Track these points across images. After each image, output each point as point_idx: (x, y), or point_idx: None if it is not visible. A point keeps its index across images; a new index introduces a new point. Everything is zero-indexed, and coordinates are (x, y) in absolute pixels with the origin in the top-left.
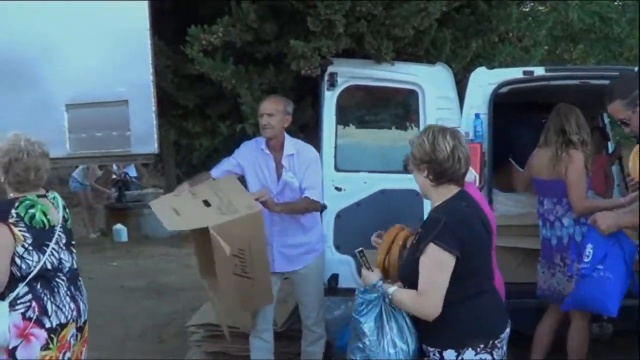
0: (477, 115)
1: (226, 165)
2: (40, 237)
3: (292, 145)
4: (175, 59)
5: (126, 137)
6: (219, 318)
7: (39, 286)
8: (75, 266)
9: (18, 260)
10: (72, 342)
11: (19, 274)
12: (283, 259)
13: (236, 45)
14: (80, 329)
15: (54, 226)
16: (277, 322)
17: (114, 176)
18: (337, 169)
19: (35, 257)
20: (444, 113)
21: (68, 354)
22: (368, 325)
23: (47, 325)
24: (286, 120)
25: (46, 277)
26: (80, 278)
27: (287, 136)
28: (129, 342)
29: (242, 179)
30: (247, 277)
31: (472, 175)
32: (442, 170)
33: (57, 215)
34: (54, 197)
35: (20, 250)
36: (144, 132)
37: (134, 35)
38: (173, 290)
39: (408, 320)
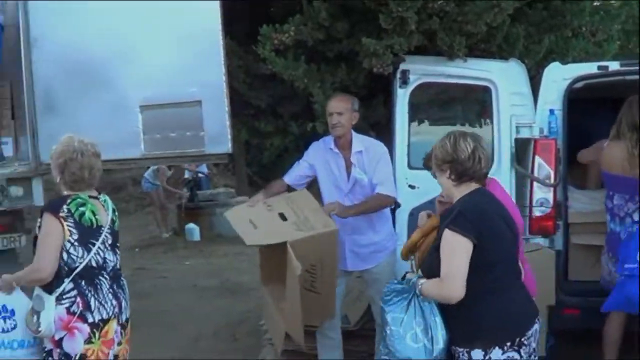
0: (551, 111)
1: (297, 169)
2: (87, 234)
3: (360, 142)
4: (247, 59)
5: (200, 137)
6: (275, 326)
7: (83, 283)
8: (118, 266)
9: (65, 255)
10: (117, 340)
11: (65, 268)
12: (355, 257)
13: (308, 44)
14: (123, 327)
15: (101, 226)
16: (350, 320)
17: (186, 176)
18: (410, 167)
19: (80, 253)
20: (518, 109)
21: (113, 352)
22: (392, 315)
23: (90, 320)
24: (354, 117)
25: (91, 275)
26: (122, 277)
27: (354, 133)
28: (203, 341)
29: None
30: (315, 292)
31: (546, 171)
32: (463, 170)
33: (106, 216)
34: (104, 200)
35: (67, 245)
36: (217, 132)
37: (207, 36)
38: (246, 289)
39: (439, 320)
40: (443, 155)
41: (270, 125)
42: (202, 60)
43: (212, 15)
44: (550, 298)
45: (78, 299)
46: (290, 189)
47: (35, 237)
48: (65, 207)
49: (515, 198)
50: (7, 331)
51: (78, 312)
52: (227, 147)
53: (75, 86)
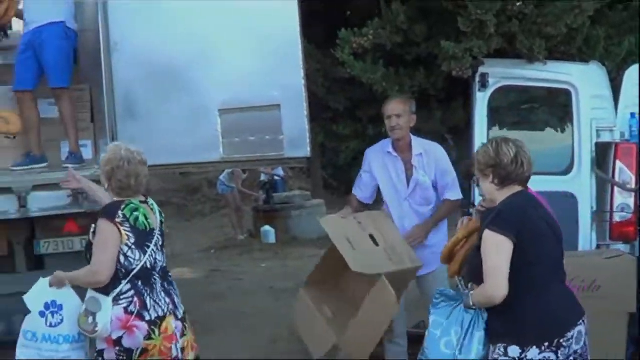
0: (632, 115)
1: (364, 184)
2: (142, 237)
3: (419, 144)
4: (325, 62)
5: (279, 141)
6: (315, 332)
7: (140, 283)
8: (165, 265)
9: (122, 258)
10: (178, 333)
11: (123, 271)
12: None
13: (386, 48)
14: (182, 320)
15: (153, 229)
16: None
17: (262, 178)
18: None
19: (137, 256)
20: (599, 113)
21: (179, 345)
22: (434, 317)
23: (147, 318)
24: (412, 119)
25: (146, 275)
26: (170, 275)
27: (412, 136)
28: (280, 342)
29: None
30: None
31: (628, 176)
32: (506, 174)
33: (155, 220)
34: (152, 204)
35: (124, 248)
36: (296, 136)
37: (286, 39)
38: None
39: (478, 335)
40: (486, 160)
41: (349, 129)
42: (281, 63)
43: (290, 18)
44: (631, 305)
45: (135, 299)
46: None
47: (89, 243)
48: (120, 212)
49: (596, 203)
50: (54, 326)
51: (136, 312)
52: (306, 151)
53: (154, 90)
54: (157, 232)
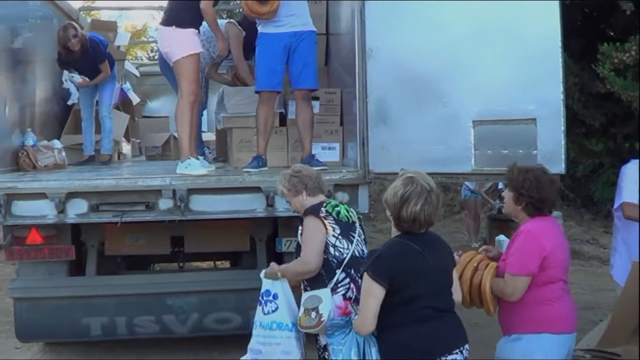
0: None
1: None
2: (346, 228)
3: None
4: (583, 76)
5: (533, 156)
6: None
7: (352, 271)
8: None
9: (332, 249)
10: None
11: (335, 261)
12: None
13: None
14: None
15: (354, 222)
16: None
17: (499, 186)
18: None
19: (345, 244)
20: None
21: None
22: (333, 346)
23: None
24: None
25: (356, 264)
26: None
27: None
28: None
29: None
30: None
31: None
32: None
33: (354, 214)
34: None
35: (332, 239)
36: (551, 151)
37: (546, 53)
38: None
39: (373, 350)
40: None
41: (602, 145)
42: (540, 77)
43: (552, 32)
44: None
45: (351, 285)
46: None
47: (298, 245)
48: (323, 209)
49: None
50: (268, 313)
51: (353, 297)
52: (561, 167)
53: (407, 98)
54: (357, 225)
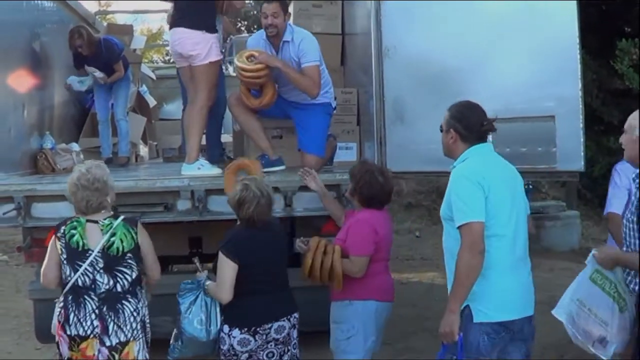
0: None
1: None
2: (74, 255)
3: None
4: (601, 73)
5: (551, 154)
6: None
7: (70, 298)
8: (118, 289)
9: (62, 271)
10: (101, 358)
11: (63, 282)
12: None
13: None
14: (114, 350)
15: (88, 250)
16: None
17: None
18: None
19: (68, 271)
20: None
21: None
22: (184, 305)
23: (68, 332)
24: None
25: (77, 293)
26: (125, 302)
27: None
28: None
29: None
30: None
31: None
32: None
33: (97, 240)
34: (108, 224)
35: (62, 262)
36: (570, 149)
37: (564, 50)
38: None
39: (217, 311)
40: None
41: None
42: (558, 74)
43: (569, 29)
44: None
45: (62, 311)
46: None
47: None
48: (63, 228)
49: None
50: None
51: (62, 322)
52: (580, 164)
53: (425, 97)
54: (95, 253)
